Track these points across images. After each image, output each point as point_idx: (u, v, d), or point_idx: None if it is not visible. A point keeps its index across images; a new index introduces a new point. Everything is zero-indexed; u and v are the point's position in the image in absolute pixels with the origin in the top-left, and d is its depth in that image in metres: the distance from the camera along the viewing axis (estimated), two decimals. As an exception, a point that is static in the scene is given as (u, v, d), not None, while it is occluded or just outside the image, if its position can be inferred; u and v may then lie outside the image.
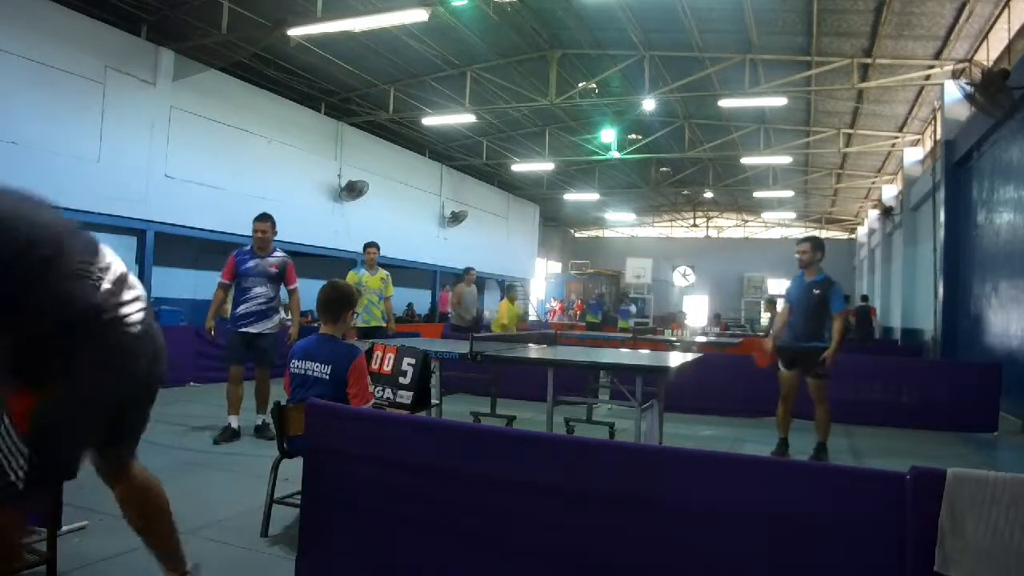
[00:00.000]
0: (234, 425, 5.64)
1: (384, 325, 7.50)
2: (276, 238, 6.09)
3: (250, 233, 6.01)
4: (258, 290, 5.74)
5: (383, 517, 2.53)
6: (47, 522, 2.72)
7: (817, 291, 5.64)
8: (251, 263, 5.74)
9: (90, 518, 3.47)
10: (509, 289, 11.60)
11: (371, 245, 7.72)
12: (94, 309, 2.06)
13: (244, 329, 5.69)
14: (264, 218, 5.92)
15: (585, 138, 17.73)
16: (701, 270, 29.78)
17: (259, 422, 5.74)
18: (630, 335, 11.65)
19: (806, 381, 5.67)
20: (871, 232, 22.84)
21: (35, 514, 3.04)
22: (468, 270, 10.76)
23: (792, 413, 5.83)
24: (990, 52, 10.39)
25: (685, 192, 25.25)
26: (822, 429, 5.66)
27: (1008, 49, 9.74)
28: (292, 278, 5.95)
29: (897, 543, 1.85)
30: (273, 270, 5.80)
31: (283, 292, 6.08)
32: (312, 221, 14.07)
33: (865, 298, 17.61)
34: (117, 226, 10.65)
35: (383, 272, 7.62)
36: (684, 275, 30.02)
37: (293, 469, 3.11)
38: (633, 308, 20.94)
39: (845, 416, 7.32)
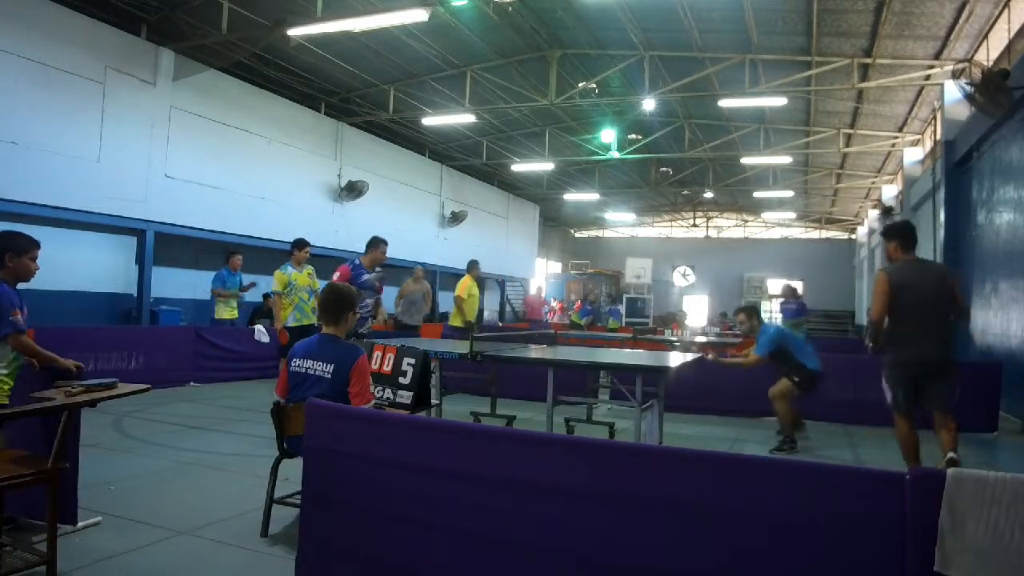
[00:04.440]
0: None
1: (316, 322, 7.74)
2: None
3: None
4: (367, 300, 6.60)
5: (383, 517, 2.53)
6: (48, 522, 2.72)
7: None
8: (365, 276, 6.53)
9: (92, 518, 3.48)
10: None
11: (304, 244, 7.77)
12: None
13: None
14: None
15: (585, 138, 17.71)
16: (701, 270, 29.77)
17: None
18: (619, 335, 11.67)
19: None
20: (871, 232, 22.81)
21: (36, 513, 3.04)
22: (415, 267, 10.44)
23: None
24: (990, 52, 10.39)
25: (685, 192, 25.23)
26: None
27: (1008, 49, 9.73)
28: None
29: (897, 543, 1.85)
30: (376, 283, 6.70)
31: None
32: (312, 221, 14.05)
33: None
34: (117, 226, 10.64)
35: (310, 268, 7.79)
36: (684, 275, 30.00)
37: (293, 469, 3.11)
38: (621, 308, 22.27)
39: (845, 416, 7.35)
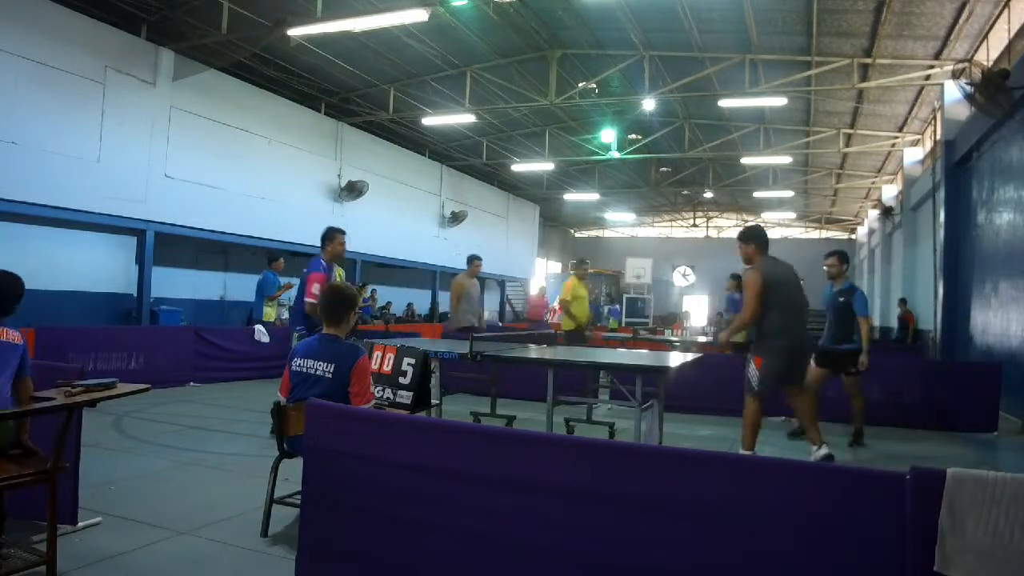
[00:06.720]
0: None
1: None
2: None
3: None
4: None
5: (383, 517, 2.53)
6: (48, 522, 2.72)
7: (842, 299, 6.27)
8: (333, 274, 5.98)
9: (92, 519, 3.48)
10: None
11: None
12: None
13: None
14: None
15: (585, 138, 17.71)
16: (701, 270, 29.77)
17: None
18: (619, 335, 11.68)
19: (841, 378, 6.51)
20: (871, 232, 22.84)
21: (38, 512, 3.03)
22: (473, 259, 8.88)
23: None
24: (990, 52, 10.39)
25: (685, 192, 25.23)
26: (858, 419, 6.43)
27: (1008, 49, 9.73)
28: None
29: (897, 543, 1.85)
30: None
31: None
32: (312, 221, 14.03)
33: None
34: (117, 226, 10.65)
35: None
36: (684, 275, 30.01)
37: (293, 469, 3.11)
38: (618, 308, 23.09)
39: (845, 416, 7.33)
